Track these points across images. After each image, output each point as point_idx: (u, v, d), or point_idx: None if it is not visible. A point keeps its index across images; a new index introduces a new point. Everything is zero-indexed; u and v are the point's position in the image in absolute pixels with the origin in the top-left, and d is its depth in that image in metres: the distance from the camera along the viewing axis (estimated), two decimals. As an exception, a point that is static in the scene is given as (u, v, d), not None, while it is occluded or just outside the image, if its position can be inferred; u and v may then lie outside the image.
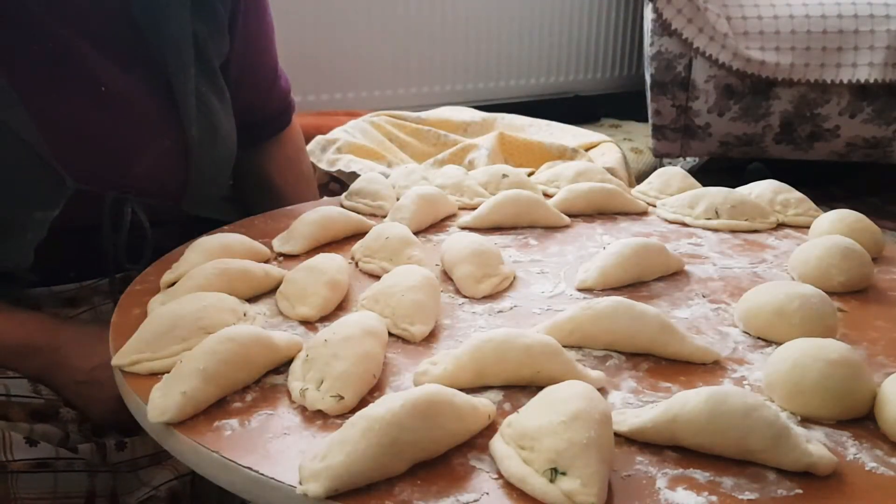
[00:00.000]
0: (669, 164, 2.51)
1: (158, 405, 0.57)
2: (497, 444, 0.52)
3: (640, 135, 2.75)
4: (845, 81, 2.08)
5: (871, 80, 2.06)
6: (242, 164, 1.05)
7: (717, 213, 0.97)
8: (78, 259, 0.86)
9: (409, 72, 2.66)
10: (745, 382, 0.63)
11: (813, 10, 2.08)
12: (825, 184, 2.43)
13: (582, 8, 2.96)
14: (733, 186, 1.03)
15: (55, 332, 0.77)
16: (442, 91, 2.73)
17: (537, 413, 0.52)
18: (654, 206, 1.05)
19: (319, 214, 0.91)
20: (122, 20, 0.86)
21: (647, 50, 2.21)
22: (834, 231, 0.87)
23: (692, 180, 1.09)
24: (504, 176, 1.07)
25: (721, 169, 2.57)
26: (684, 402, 0.53)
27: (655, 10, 2.10)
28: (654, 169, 1.41)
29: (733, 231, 0.96)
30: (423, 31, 2.64)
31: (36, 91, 0.79)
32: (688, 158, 2.62)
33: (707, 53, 2.09)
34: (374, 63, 2.57)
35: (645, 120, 2.41)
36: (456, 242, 0.82)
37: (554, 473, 0.48)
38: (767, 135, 2.21)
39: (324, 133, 1.77)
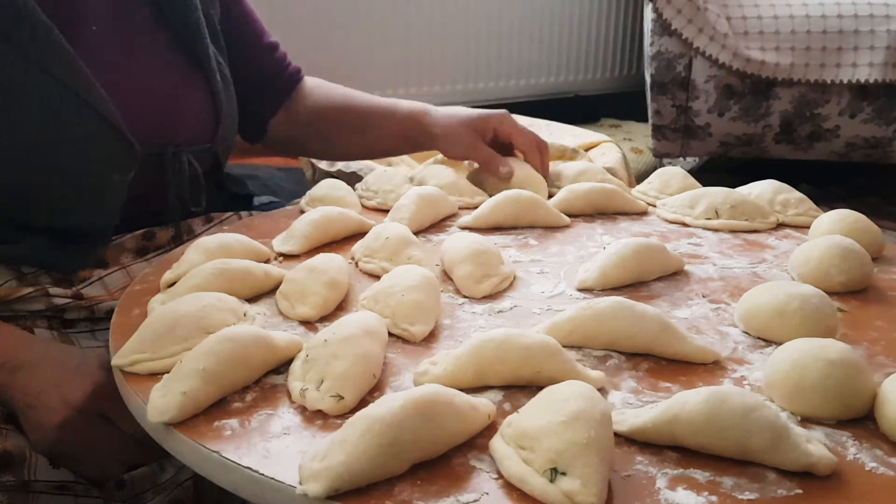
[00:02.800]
0: (669, 164, 2.51)
1: (158, 405, 0.57)
2: (497, 444, 0.52)
3: (640, 135, 2.76)
4: (845, 81, 2.08)
5: (871, 80, 2.06)
6: (281, 131, 1.16)
7: (717, 213, 0.97)
8: (145, 214, 0.95)
9: (410, 72, 2.66)
10: (745, 382, 0.63)
11: (813, 10, 2.08)
12: (825, 184, 2.43)
13: (582, 8, 2.96)
14: (733, 186, 1.03)
15: (16, 351, 0.77)
16: (442, 91, 2.73)
17: (537, 413, 0.52)
18: (654, 206, 1.05)
19: (319, 214, 0.91)
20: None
21: (647, 50, 2.21)
22: (834, 231, 0.87)
23: (692, 180, 1.09)
24: None
25: (721, 169, 2.57)
26: (684, 402, 0.53)
27: (655, 10, 2.10)
28: (654, 169, 1.41)
29: (733, 231, 0.96)
30: (423, 31, 2.64)
31: (99, 69, 0.85)
32: (688, 158, 2.62)
33: (707, 53, 2.09)
34: (375, 63, 2.56)
35: (645, 120, 2.41)
36: (456, 242, 0.82)
37: (554, 473, 0.48)
38: (767, 135, 2.21)
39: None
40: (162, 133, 0.93)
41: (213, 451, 0.53)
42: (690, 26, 2.09)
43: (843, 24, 2.07)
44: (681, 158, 2.58)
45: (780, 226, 0.99)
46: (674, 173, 1.10)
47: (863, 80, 2.07)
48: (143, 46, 0.93)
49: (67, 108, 0.82)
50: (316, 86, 1.18)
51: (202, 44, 0.98)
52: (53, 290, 0.85)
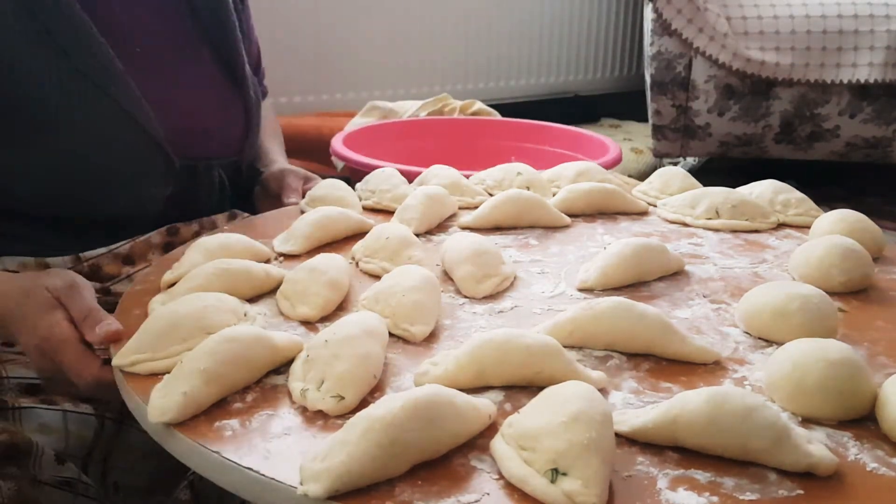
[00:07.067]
0: (669, 164, 2.51)
1: (159, 406, 0.57)
2: (498, 444, 0.52)
3: (640, 135, 2.76)
4: (845, 81, 2.08)
5: (871, 80, 2.06)
6: None
7: (717, 213, 0.97)
8: (172, 218, 0.97)
9: (410, 72, 2.66)
10: (745, 383, 0.63)
11: (813, 10, 2.08)
12: (825, 184, 2.43)
13: (582, 8, 2.96)
14: (733, 186, 1.03)
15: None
16: (442, 91, 2.72)
17: (538, 413, 0.52)
18: (655, 206, 1.05)
19: (320, 214, 0.91)
20: (183, 15, 0.98)
21: (647, 50, 2.21)
22: (834, 231, 0.87)
23: (692, 180, 1.09)
24: (518, 174, 1.07)
25: (721, 169, 2.57)
26: (685, 402, 0.53)
27: (655, 10, 2.10)
28: (654, 169, 1.41)
29: (734, 231, 0.96)
30: (423, 31, 2.64)
31: (144, 85, 0.89)
32: (688, 158, 2.62)
33: (707, 53, 2.09)
34: (375, 63, 2.56)
35: (645, 120, 2.41)
36: (456, 243, 0.82)
37: (555, 474, 0.48)
38: (767, 135, 2.21)
39: (324, 134, 1.77)
40: (196, 147, 0.97)
41: (214, 452, 0.53)
42: (690, 26, 2.09)
43: (843, 24, 2.07)
44: (681, 158, 2.58)
45: (781, 226, 0.99)
46: (674, 173, 1.10)
47: (863, 80, 2.07)
48: (186, 62, 0.97)
49: (110, 120, 0.85)
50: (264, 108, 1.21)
51: (240, 62, 1.01)
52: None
